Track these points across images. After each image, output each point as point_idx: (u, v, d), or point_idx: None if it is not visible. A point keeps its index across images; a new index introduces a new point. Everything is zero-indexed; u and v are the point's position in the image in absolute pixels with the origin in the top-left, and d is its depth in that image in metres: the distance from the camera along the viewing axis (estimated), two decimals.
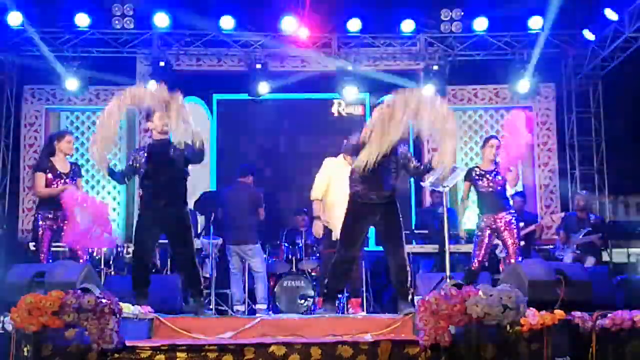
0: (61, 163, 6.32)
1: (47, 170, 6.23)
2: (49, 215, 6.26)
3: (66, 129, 10.05)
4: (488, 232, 6.48)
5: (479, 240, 6.51)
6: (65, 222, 6.25)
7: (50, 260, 6.11)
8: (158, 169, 5.60)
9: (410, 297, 5.50)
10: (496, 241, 8.04)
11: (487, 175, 6.54)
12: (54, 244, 6.39)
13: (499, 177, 6.52)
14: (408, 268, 5.54)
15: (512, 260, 6.27)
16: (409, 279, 5.54)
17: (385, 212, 5.52)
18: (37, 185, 6.24)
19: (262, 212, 7.92)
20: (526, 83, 10.03)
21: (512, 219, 6.47)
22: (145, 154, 5.69)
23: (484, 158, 6.64)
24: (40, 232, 6.24)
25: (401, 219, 5.59)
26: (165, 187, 5.58)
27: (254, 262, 7.85)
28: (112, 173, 5.72)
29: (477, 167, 6.69)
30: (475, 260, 6.47)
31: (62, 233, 6.24)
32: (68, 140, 6.30)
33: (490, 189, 6.52)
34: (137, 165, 5.70)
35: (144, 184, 5.71)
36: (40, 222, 6.25)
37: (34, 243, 7.07)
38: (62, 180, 6.25)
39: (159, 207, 5.57)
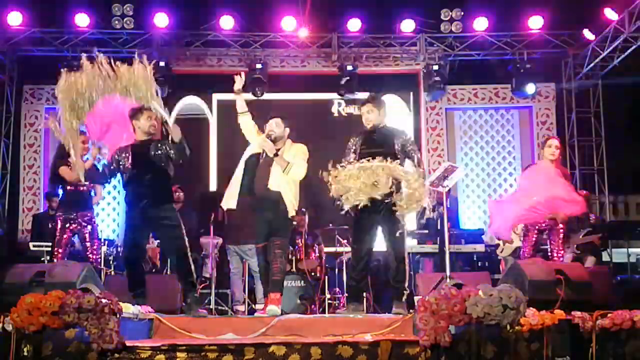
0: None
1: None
2: (71, 217, 6.30)
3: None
4: (535, 230, 6.42)
5: (527, 236, 6.45)
6: (85, 223, 6.36)
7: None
8: (141, 170, 5.51)
9: (404, 297, 5.48)
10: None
11: None
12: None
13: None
14: (406, 267, 5.54)
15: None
16: (406, 278, 5.53)
17: (386, 210, 5.51)
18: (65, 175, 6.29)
19: None
20: (532, 86, 10.05)
21: (559, 226, 6.35)
22: (129, 155, 5.55)
23: (544, 158, 6.55)
24: (59, 234, 6.30)
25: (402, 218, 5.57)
26: (148, 187, 5.50)
27: (254, 262, 7.83)
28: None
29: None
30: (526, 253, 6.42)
31: (79, 234, 6.39)
32: (83, 141, 6.21)
33: None
34: (122, 166, 5.55)
35: (127, 185, 5.61)
36: (60, 224, 6.28)
37: (47, 244, 7.10)
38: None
39: (144, 207, 5.49)
